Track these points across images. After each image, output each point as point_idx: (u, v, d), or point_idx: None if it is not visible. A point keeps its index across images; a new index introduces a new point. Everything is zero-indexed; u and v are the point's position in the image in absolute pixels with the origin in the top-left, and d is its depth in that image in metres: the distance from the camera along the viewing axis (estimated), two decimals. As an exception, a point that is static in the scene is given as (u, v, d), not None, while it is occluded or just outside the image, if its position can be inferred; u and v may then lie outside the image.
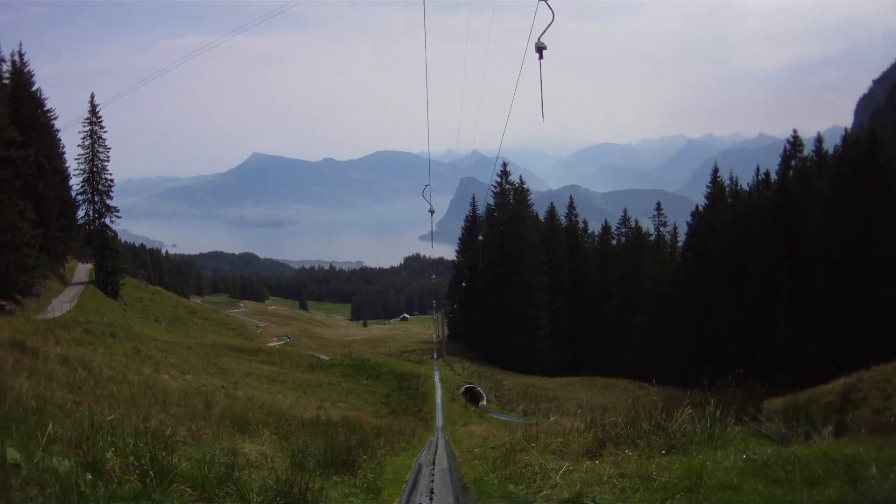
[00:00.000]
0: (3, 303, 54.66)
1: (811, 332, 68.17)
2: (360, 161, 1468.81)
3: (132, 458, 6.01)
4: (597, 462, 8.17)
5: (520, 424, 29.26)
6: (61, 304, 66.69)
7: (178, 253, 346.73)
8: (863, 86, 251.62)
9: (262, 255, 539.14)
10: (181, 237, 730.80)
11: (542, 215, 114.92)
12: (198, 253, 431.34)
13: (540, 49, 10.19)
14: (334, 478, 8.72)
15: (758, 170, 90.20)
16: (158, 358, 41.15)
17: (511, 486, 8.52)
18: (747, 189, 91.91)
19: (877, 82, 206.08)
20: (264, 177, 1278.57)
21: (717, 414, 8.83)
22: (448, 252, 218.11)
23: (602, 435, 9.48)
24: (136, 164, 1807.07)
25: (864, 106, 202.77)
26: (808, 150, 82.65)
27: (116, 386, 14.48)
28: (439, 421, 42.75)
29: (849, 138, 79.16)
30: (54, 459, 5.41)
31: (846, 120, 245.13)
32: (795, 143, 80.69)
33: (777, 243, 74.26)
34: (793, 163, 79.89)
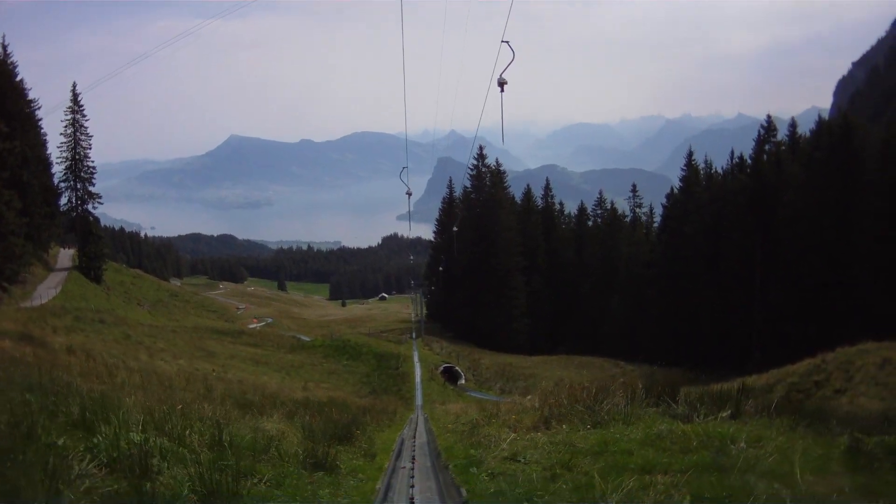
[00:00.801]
0: (-9, 291, 55.63)
1: (786, 313, 69.09)
2: (338, 142, 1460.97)
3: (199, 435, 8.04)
4: (538, 434, 10.11)
5: (495, 402, 31.03)
6: (47, 289, 67.25)
7: (156, 235, 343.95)
8: (842, 68, 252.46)
9: (240, 236, 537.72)
10: (159, 220, 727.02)
11: (519, 195, 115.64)
12: (176, 235, 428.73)
13: (502, 84, 11.75)
14: (338, 447, 10.54)
15: (732, 153, 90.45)
16: (148, 343, 42.09)
17: (472, 451, 10.50)
18: (723, 171, 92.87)
19: (856, 64, 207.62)
20: (242, 158, 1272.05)
21: (644, 396, 10.81)
22: (426, 232, 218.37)
23: (548, 413, 11.44)
24: (114, 147, 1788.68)
25: (844, 88, 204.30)
26: (783, 133, 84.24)
27: (126, 374, 15.75)
28: (419, 400, 43.55)
29: (823, 123, 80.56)
30: (155, 438, 7.17)
31: (825, 101, 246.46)
32: (769, 127, 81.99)
33: (751, 226, 75.07)
34: (767, 147, 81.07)
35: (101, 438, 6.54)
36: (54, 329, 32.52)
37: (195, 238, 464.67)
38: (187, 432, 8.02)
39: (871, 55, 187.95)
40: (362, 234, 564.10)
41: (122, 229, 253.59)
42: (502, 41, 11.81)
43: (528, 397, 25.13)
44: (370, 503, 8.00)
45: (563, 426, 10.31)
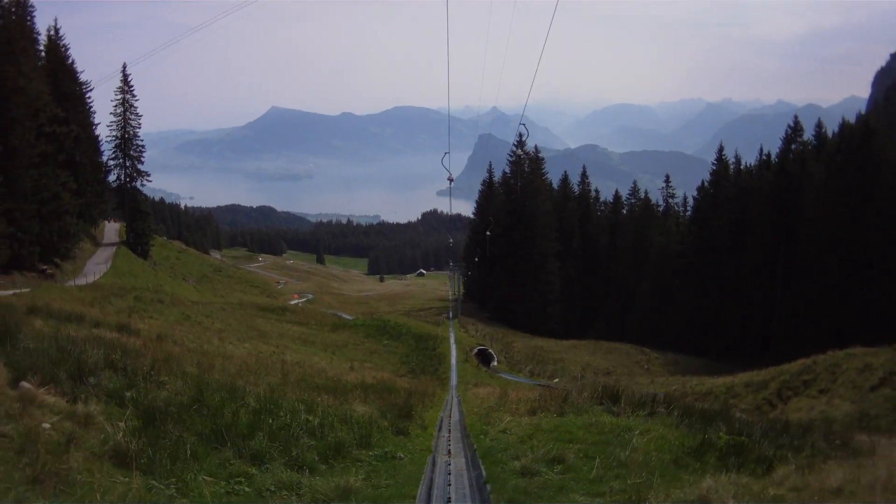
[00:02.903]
0: (45, 267, 58.36)
1: (804, 307, 71.45)
2: (379, 116, 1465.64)
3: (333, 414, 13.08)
4: (525, 418, 14.86)
5: (524, 385, 35.12)
6: (96, 265, 70.44)
7: (195, 206, 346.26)
8: (881, 57, 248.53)
9: (279, 208, 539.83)
10: (198, 190, 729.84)
11: (559, 175, 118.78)
12: (215, 206, 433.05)
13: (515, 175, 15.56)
14: (404, 422, 15.28)
15: (761, 150, 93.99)
16: (207, 324, 44.68)
17: (484, 426, 15.20)
18: (755, 163, 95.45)
19: (894, 56, 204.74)
20: (283, 130, 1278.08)
21: (600, 396, 15.55)
22: (465, 208, 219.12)
23: (536, 405, 16.30)
24: (153, 117, 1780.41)
25: (881, 79, 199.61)
26: (810, 132, 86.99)
27: (220, 361, 18.88)
28: (453, 380, 45.09)
29: (846, 125, 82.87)
30: (313, 417, 12.17)
31: (864, 91, 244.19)
32: (796, 127, 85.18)
33: (775, 222, 77.94)
34: (793, 146, 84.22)
35: (288, 419, 11.38)
36: (128, 314, 34.49)
37: (234, 209, 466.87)
38: (329, 412, 13.32)
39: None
40: (402, 209, 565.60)
41: (161, 199, 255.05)
42: (520, 123, 15.24)
43: (556, 380, 29.18)
44: (430, 451, 12.62)
45: (542, 414, 14.92)
